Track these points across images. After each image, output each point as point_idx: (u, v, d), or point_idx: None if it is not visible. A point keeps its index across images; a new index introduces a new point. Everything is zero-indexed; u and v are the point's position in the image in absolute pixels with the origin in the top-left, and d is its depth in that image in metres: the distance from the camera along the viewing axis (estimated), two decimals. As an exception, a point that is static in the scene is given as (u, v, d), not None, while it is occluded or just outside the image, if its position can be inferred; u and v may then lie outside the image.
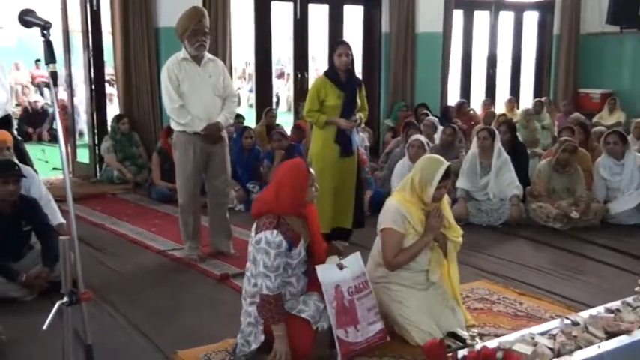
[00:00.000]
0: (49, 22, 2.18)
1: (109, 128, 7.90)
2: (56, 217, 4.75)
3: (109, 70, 9.38)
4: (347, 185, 5.20)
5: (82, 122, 9.50)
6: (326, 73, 5.15)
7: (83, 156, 8.27)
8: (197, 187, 4.85)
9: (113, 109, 8.87)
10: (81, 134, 9.77)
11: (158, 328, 3.67)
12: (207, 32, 4.65)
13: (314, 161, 5.12)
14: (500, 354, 2.16)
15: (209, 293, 4.26)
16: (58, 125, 2.30)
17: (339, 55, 4.99)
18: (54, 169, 8.68)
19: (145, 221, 6.01)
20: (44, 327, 2.14)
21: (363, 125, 5.88)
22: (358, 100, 5.15)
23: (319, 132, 5.15)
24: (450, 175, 3.59)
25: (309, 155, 5.31)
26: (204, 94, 4.68)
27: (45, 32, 2.15)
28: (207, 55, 4.75)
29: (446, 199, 3.71)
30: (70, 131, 8.49)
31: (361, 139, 5.34)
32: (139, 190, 7.31)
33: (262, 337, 3.19)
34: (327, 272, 3.23)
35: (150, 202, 6.81)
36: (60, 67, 12.55)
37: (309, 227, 3.29)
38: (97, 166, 7.98)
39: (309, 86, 9.46)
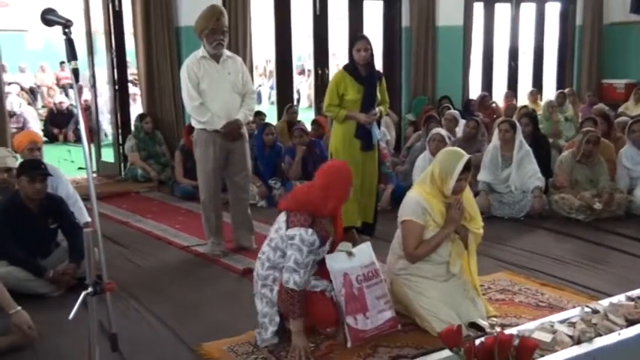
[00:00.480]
0: (70, 21, 2.24)
1: (133, 127, 8.00)
2: (83, 216, 4.85)
3: (132, 70, 9.51)
4: (368, 179, 5.20)
5: (106, 122, 9.63)
6: (345, 68, 5.16)
7: (107, 155, 8.40)
8: (218, 184, 4.90)
9: (136, 109, 8.99)
10: (105, 134, 9.91)
11: (182, 321, 3.73)
12: (225, 31, 4.67)
13: (334, 156, 5.14)
14: (516, 340, 2.17)
15: (232, 287, 4.32)
16: (81, 123, 2.36)
17: (358, 49, 5.00)
18: (79, 168, 8.81)
19: (169, 218, 6.09)
20: (70, 317, 2.20)
21: (384, 117, 5.85)
22: (378, 94, 5.14)
23: (339, 126, 5.16)
24: (471, 167, 3.58)
25: (329, 150, 5.33)
26: (224, 92, 4.71)
27: (66, 30, 2.20)
28: (226, 53, 4.78)
29: (468, 191, 3.71)
30: (95, 131, 8.63)
31: (382, 133, 5.35)
32: (162, 187, 7.41)
33: (278, 319, 3.27)
34: (336, 261, 3.29)
35: (173, 200, 6.90)
36: (83, 68, 12.80)
37: (335, 225, 3.36)
38: (122, 164, 8.10)
39: (329, 81, 9.62)
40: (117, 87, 8.10)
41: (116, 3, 7.82)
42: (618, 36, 11.51)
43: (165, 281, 4.45)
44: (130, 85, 9.09)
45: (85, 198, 5.14)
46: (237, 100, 4.79)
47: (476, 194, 5.97)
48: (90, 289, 2.22)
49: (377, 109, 5.14)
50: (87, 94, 9.07)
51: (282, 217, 3.28)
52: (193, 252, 5.06)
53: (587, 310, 2.69)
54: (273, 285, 3.30)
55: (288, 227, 3.18)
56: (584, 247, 5.10)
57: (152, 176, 7.55)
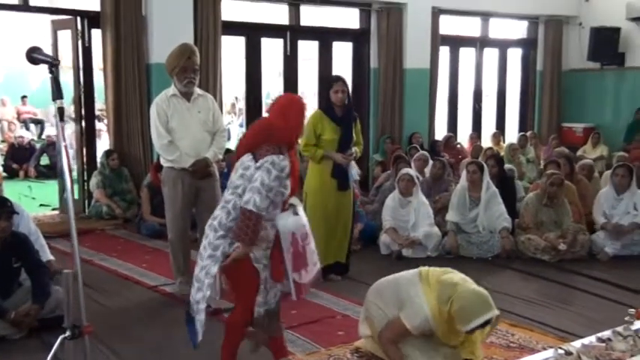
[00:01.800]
0: (57, 60, 2.23)
1: (99, 164, 7.89)
2: (45, 254, 4.72)
3: (98, 105, 9.42)
4: (343, 219, 5.23)
5: (70, 158, 9.48)
6: (322, 108, 5.22)
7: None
8: (187, 223, 4.84)
9: (101, 145, 8.90)
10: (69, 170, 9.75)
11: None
12: (196, 69, 4.66)
13: (310, 196, 5.16)
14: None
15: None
16: (64, 160, 2.33)
17: (336, 91, 5.06)
18: (41, 205, 8.66)
19: (135, 257, 5.99)
20: None
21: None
22: (354, 135, 5.21)
23: (316, 166, 5.18)
24: (492, 322, 3.31)
25: (304, 189, 5.29)
26: (193, 130, 4.68)
27: (52, 69, 2.19)
28: (197, 91, 4.76)
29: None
30: (59, 167, 8.49)
31: (356, 173, 5.41)
32: (128, 225, 7.29)
33: (215, 270, 3.18)
34: (285, 220, 3.26)
35: (139, 238, 6.79)
36: (51, 104, 12.68)
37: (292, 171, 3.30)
38: (86, 201, 7.96)
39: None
40: (84, 123, 8.00)
41: (86, 39, 7.77)
42: (576, 82, 11.90)
43: (133, 322, 4.36)
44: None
45: (47, 235, 5.06)
46: (207, 139, 4.76)
47: (444, 234, 6.09)
48: (68, 333, 2.14)
49: (353, 149, 5.19)
50: (51, 130, 8.92)
51: (246, 159, 3.20)
52: (161, 292, 4.98)
53: (560, 351, 2.72)
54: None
55: (258, 160, 3.14)
56: (551, 288, 5.19)
57: (117, 213, 7.43)
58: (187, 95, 4.68)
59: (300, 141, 5.07)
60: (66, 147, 2.22)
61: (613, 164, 7.73)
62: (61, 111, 2.26)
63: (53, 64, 2.20)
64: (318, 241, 4.91)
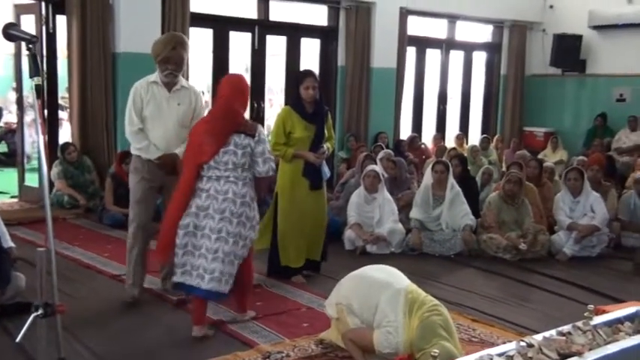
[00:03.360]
0: (35, 37, 2.19)
1: (59, 154, 7.75)
2: (6, 241, 4.63)
3: (61, 94, 9.24)
4: (317, 218, 5.09)
5: (28, 146, 9.29)
6: (291, 105, 5.00)
7: (32, 180, 8.09)
8: (145, 215, 4.52)
9: (63, 134, 8.74)
10: (28, 158, 9.55)
11: (114, 352, 3.61)
12: (179, 61, 4.39)
13: (281, 196, 5.02)
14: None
15: (165, 318, 4.22)
16: (40, 140, 2.28)
17: (306, 87, 4.85)
18: (0, 192, 8.47)
19: (98, 246, 5.91)
20: (17, 339, 2.10)
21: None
22: (325, 131, 5.05)
23: (286, 166, 4.99)
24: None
25: (275, 189, 5.15)
26: (168, 122, 4.43)
27: (30, 46, 2.15)
28: (182, 82, 4.53)
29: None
30: (19, 155, 8.32)
31: (328, 171, 5.24)
32: (90, 215, 7.18)
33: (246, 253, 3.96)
34: None
35: (102, 228, 6.70)
36: (10, 91, 12.34)
37: None
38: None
39: (264, 115, 9.71)
40: (46, 111, 7.83)
41: (50, 25, 7.62)
42: (538, 87, 12.16)
43: (95, 310, 4.31)
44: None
45: (7, 223, 4.95)
46: (182, 134, 4.40)
47: (408, 231, 6.16)
48: (40, 311, 2.11)
49: (325, 146, 5.03)
50: (12, 117, 8.72)
51: (240, 139, 3.83)
52: (124, 281, 4.90)
53: (522, 344, 2.77)
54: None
55: (248, 135, 3.85)
56: (511, 286, 5.29)
57: (81, 203, 7.30)
58: (169, 85, 4.45)
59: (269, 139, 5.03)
60: (42, 124, 2.17)
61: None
62: (38, 88, 2.22)
63: (31, 41, 2.16)
64: (290, 242, 4.96)
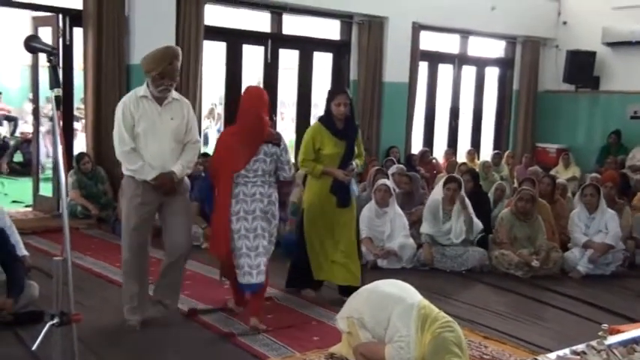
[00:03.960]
0: (55, 49, 2.22)
1: (74, 165, 7.82)
2: (20, 249, 4.69)
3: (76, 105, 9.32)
4: (346, 237, 4.89)
5: (43, 156, 9.37)
6: (322, 121, 4.87)
7: (46, 189, 8.14)
8: (143, 241, 4.19)
9: (78, 144, 8.80)
10: (43, 168, 9.63)
11: (125, 362, 3.62)
12: (176, 76, 4.14)
13: (307, 212, 4.91)
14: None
15: (176, 329, 4.22)
16: (59, 151, 2.29)
17: (338, 104, 4.73)
18: (13, 201, 8.53)
19: (109, 256, 5.92)
20: (34, 347, 2.11)
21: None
22: (355, 148, 4.93)
23: (314, 182, 4.90)
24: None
25: (302, 205, 5.07)
26: (162, 139, 4.12)
27: (51, 58, 2.18)
28: (172, 94, 4.20)
29: None
30: (35, 164, 8.39)
31: (357, 189, 5.07)
32: (102, 225, 7.22)
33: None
34: None
35: (114, 238, 6.71)
36: (26, 101, 12.47)
37: None
38: (60, 200, 7.86)
39: (275, 128, 9.69)
40: (62, 122, 7.87)
41: (67, 37, 7.70)
42: (551, 103, 12.13)
43: (107, 319, 4.31)
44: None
45: (20, 232, 4.99)
46: (177, 150, 4.18)
47: (419, 246, 6.14)
48: (56, 320, 2.12)
49: (354, 163, 4.90)
50: (29, 127, 8.80)
51: (268, 148, 4.24)
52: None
53: (536, 362, 2.76)
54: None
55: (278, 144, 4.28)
56: (523, 303, 5.26)
57: (92, 213, 7.34)
58: (160, 99, 4.13)
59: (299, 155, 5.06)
60: (61, 135, 2.19)
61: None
62: (57, 99, 2.24)
63: (52, 53, 2.19)
64: (313, 256, 4.89)
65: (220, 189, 4.30)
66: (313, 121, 10.62)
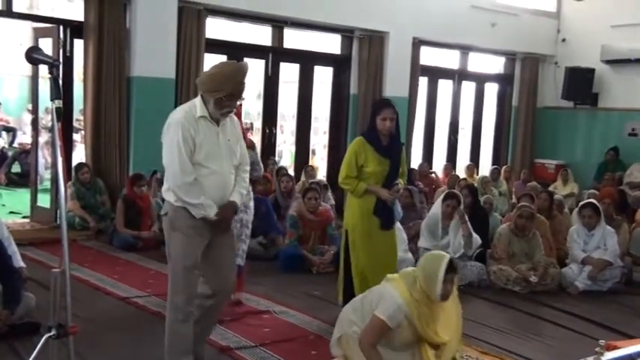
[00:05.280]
0: (57, 60, 2.23)
1: (72, 176, 7.82)
2: (17, 260, 4.67)
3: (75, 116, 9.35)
4: (387, 260, 4.63)
5: (42, 167, 9.38)
6: (365, 136, 4.61)
7: (44, 200, 8.14)
8: (197, 282, 3.59)
9: (77, 156, 8.81)
10: (41, 179, 9.63)
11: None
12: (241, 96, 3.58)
13: (351, 233, 4.66)
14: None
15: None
16: (59, 162, 2.30)
17: (384, 118, 4.48)
18: (11, 212, 8.52)
19: (107, 268, 5.91)
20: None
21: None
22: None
23: (355, 200, 4.61)
24: (456, 268, 3.48)
25: (343, 227, 4.82)
26: (222, 165, 3.52)
27: (53, 70, 2.19)
28: None
29: (453, 303, 3.62)
30: (33, 176, 8.39)
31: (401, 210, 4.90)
32: (100, 236, 7.21)
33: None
34: None
35: (112, 250, 6.72)
36: (24, 112, 12.49)
37: None
38: (57, 211, 7.85)
39: (275, 141, 9.74)
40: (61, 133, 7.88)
41: (67, 48, 7.73)
42: (550, 119, 12.18)
43: (104, 332, 4.30)
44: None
45: (18, 243, 4.98)
46: (234, 175, 3.61)
47: (417, 260, 6.12)
48: (53, 332, 2.11)
49: (399, 182, 4.66)
50: (27, 138, 8.81)
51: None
52: (133, 304, 4.91)
53: (533, 377, 2.75)
54: None
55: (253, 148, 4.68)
56: (521, 318, 5.24)
57: (91, 226, 7.33)
58: (217, 119, 3.51)
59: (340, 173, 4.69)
60: (61, 146, 2.20)
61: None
62: (58, 111, 2.25)
63: (53, 65, 2.20)
64: (357, 277, 4.61)
65: None
66: (313, 134, 10.73)
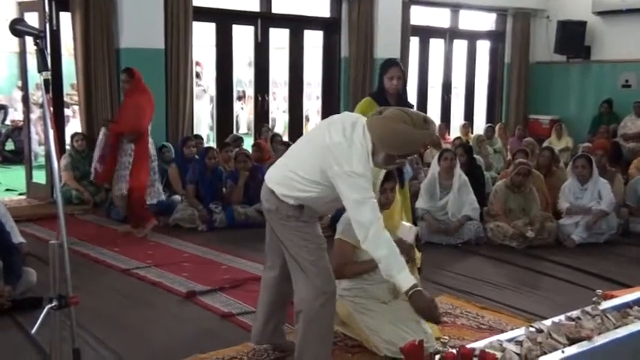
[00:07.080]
0: (42, 31, 2.20)
1: (68, 146, 7.82)
2: (16, 236, 4.69)
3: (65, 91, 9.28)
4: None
5: (35, 143, 9.34)
6: (373, 96, 4.62)
7: (39, 177, 8.13)
8: None
9: (69, 131, 8.78)
10: (35, 156, 9.60)
11: (124, 344, 3.66)
12: None
13: None
14: (477, 352, 2.26)
15: (175, 310, 4.25)
16: (50, 135, 2.29)
17: (391, 77, 4.47)
18: (7, 190, 8.52)
19: (107, 241, 5.93)
20: (33, 331, 2.12)
21: None
22: None
23: None
24: (393, 177, 3.65)
25: None
26: None
27: (38, 41, 2.17)
28: None
29: (398, 200, 3.84)
30: (26, 152, 8.36)
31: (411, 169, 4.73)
32: (97, 210, 7.22)
33: None
34: None
35: (110, 222, 6.73)
36: (15, 89, 12.38)
37: None
38: (53, 187, 7.85)
39: (268, 108, 9.70)
40: (51, 108, 7.84)
41: (54, 22, 7.63)
42: (543, 74, 12.12)
43: (106, 303, 4.33)
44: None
45: (15, 220, 5.00)
46: None
47: (415, 222, 6.15)
48: (54, 303, 2.14)
49: None
50: (19, 115, 8.77)
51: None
52: (134, 275, 4.94)
53: (532, 329, 2.79)
54: None
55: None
56: (519, 273, 5.30)
57: (86, 198, 7.35)
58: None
59: None
60: (51, 118, 2.19)
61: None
62: (46, 83, 2.24)
63: (38, 36, 2.18)
64: None
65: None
66: (305, 99, 10.66)
